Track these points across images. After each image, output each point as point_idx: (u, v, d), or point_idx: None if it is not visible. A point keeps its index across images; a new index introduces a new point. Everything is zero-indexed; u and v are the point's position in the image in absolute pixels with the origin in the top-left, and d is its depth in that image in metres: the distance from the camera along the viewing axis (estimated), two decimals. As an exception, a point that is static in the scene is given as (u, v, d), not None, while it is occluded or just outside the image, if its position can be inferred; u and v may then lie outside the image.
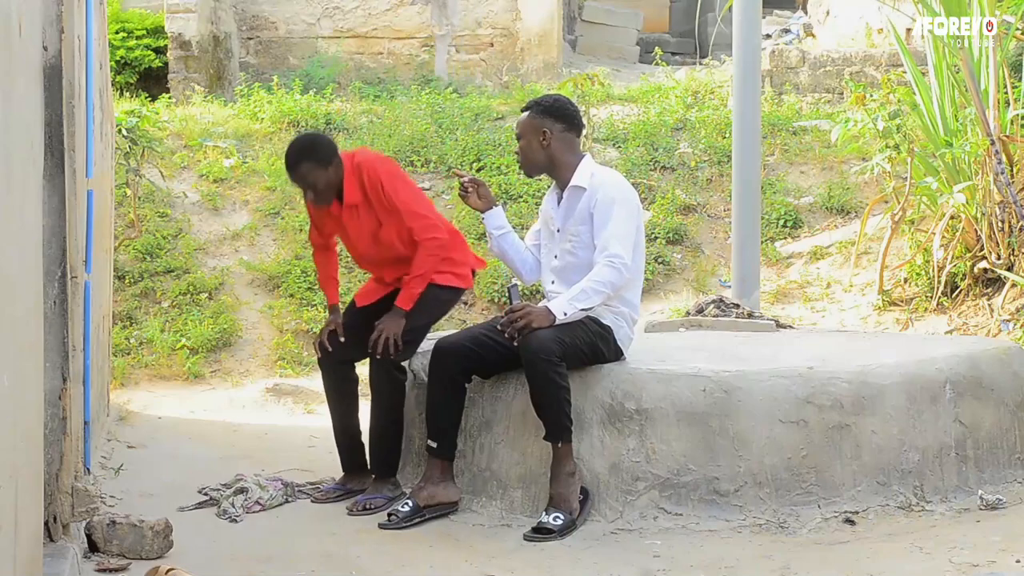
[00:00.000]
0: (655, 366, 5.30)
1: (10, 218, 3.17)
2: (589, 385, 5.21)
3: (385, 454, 5.60)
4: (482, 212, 5.58)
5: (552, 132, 5.33)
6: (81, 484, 4.34)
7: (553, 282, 5.38)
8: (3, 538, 3.01)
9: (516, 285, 5.33)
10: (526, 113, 5.40)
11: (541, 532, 4.98)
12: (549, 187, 5.60)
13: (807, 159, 10.75)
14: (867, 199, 9.77)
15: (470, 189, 5.54)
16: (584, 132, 5.75)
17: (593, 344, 5.20)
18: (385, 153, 10.79)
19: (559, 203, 5.40)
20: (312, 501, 5.61)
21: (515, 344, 5.08)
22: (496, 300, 9.10)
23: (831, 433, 5.17)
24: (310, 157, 5.46)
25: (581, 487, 5.09)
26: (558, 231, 5.37)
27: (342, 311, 5.79)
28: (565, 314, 5.09)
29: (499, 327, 5.17)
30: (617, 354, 5.31)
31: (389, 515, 5.23)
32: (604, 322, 5.24)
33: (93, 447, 5.49)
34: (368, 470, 5.68)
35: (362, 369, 5.74)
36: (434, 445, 5.26)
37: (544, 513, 5.03)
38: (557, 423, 5.03)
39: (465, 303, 9.33)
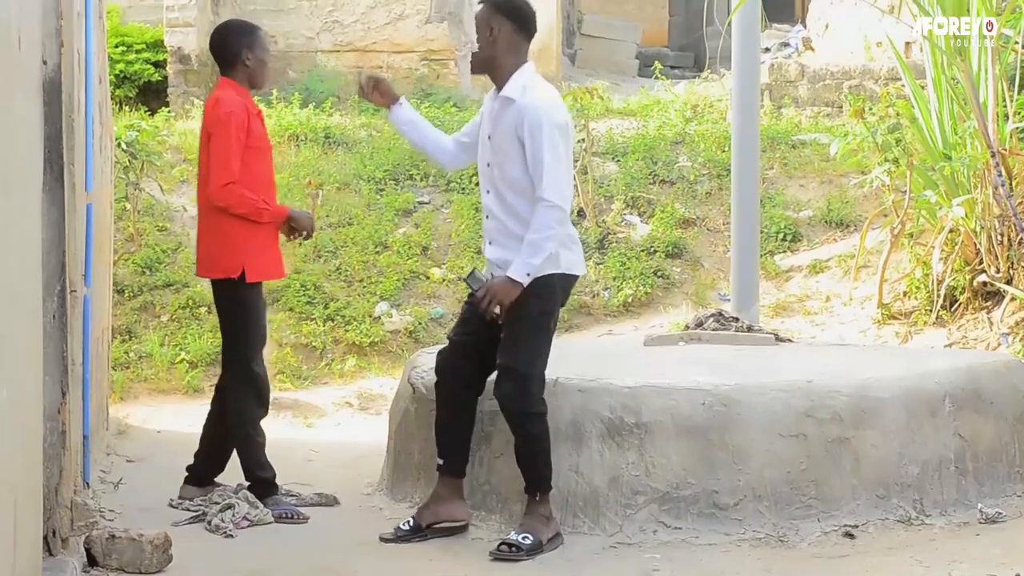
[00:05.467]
0: (655, 380, 5.29)
1: (10, 231, 3.18)
2: (588, 399, 5.20)
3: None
4: (387, 108, 5.37)
5: (499, 29, 5.16)
6: (80, 498, 4.34)
7: (488, 216, 5.14)
8: (2, 552, 3.01)
9: (473, 272, 5.17)
10: (480, 6, 5.20)
11: (510, 546, 4.88)
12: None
13: (806, 173, 10.74)
14: (866, 213, 9.76)
15: (367, 88, 5.29)
16: (533, 39, 5.49)
17: (544, 310, 5.02)
18: (384, 168, 10.84)
19: (492, 110, 5.19)
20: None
21: (500, 323, 4.98)
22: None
23: (830, 447, 5.16)
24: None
25: (557, 533, 5.01)
26: (489, 138, 5.16)
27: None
28: (528, 275, 4.92)
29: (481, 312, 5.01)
30: (571, 283, 5.15)
31: (395, 531, 5.17)
32: (541, 276, 4.99)
33: (92, 461, 5.48)
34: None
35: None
36: (440, 462, 5.19)
37: (513, 532, 4.95)
38: (533, 472, 5.00)
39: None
